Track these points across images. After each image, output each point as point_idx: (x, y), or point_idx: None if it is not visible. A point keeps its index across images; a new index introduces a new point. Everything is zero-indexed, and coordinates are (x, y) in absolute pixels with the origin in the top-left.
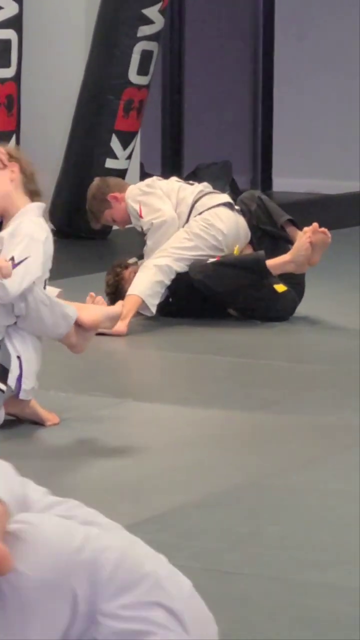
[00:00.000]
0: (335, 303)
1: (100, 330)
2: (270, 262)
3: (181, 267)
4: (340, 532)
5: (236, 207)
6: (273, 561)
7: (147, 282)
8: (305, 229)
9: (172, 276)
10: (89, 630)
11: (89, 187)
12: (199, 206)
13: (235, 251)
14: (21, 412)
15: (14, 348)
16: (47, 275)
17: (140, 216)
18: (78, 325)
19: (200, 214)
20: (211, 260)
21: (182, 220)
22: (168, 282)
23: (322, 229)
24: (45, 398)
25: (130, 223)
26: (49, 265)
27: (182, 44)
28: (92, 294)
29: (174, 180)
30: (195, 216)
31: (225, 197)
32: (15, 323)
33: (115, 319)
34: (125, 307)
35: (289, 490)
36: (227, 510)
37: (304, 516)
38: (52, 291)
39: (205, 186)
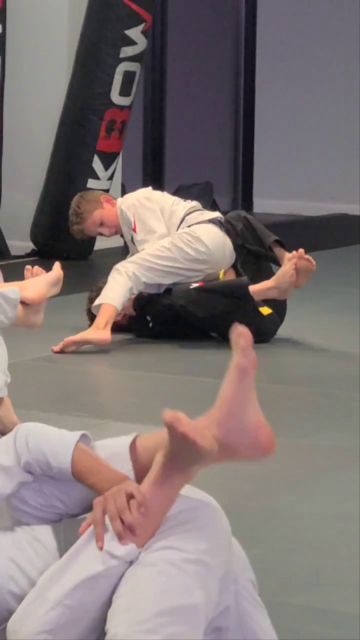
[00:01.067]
0: (316, 325)
1: (86, 339)
2: (252, 288)
3: (149, 278)
4: (321, 555)
5: (224, 227)
6: (259, 584)
7: (118, 292)
8: (289, 255)
9: (141, 286)
10: None
11: (75, 197)
12: (189, 219)
13: (221, 275)
14: None
15: None
16: None
17: (134, 230)
18: (26, 304)
19: (189, 226)
20: (194, 285)
21: (172, 232)
22: (136, 291)
23: (307, 256)
24: (27, 418)
25: (117, 232)
26: None
27: (164, 65)
28: (29, 266)
29: (167, 194)
30: (183, 228)
31: (216, 214)
32: None
33: (58, 283)
34: (103, 317)
35: (270, 512)
36: None
37: (285, 538)
38: None
39: (197, 204)
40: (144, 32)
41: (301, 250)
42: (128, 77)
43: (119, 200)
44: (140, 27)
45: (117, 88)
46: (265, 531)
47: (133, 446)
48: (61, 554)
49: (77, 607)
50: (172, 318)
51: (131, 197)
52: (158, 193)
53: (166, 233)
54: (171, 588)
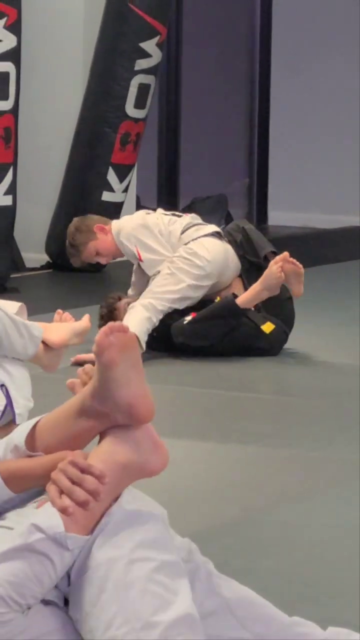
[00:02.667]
0: (327, 337)
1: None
2: (243, 297)
3: (164, 307)
4: (334, 567)
5: (225, 237)
6: (266, 596)
7: (135, 321)
8: (275, 259)
9: (159, 314)
10: None
11: (70, 226)
12: (185, 237)
13: (217, 300)
14: None
15: None
16: None
17: (140, 259)
18: (46, 345)
19: (185, 244)
20: (187, 319)
21: (173, 252)
22: (156, 322)
23: (292, 259)
24: None
25: (114, 258)
26: None
27: (178, 77)
28: (60, 310)
29: (161, 213)
30: (179, 247)
31: (213, 228)
32: None
33: (82, 334)
34: None
35: (282, 525)
36: (219, 544)
37: (297, 551)
38: (12, 306)
39: (193, 217)
40: (158, 45)
41: (286, 254)
42: (143, 89)
43: (114, 226)
44: (155, 39)
45: (132, 100)
46: (277, 544)
47: (31, 433)
48: None
49: (1, 579)
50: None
51: (126, 226)
52: (152, 216)
53: (169, 254)
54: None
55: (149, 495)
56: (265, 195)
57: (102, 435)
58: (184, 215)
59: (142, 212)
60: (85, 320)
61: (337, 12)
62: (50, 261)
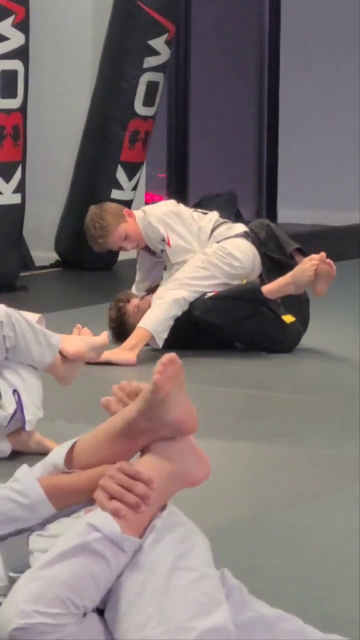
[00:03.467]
0: (339, 335)
1: (110, 360)
2: (270, 285)
3: (194, 298)
4: (345, 566)
5: (250, 236)
6: (277, 595)
7: (160, 318)
8: (311, 256)
9: (186, 308)
10: None
11: (90, 212)
12: (217, 235)
13: (244, 282)
14: (27, 447)
15: (8, 383)
16: None
17: (168, 244)
18: (63, 356)
19: (217, 242)
20: (209, 294)
21: (202, 248)
22: (180, 313)
23: (329, 260)
24: (51, 428)
25: (138, 246)
26: None
27: (187, 75)
28: (79, 325)
29: (190, 209)
30: (212, 244)
31: (242, 227)
32: (6, 358)
33: (100, 349)
34: (134, 339)
35: (294, 523)
36: (230, 543)
37: (309, 550)
38: (32, 316)
39: (217, 215)
40: (167, 42)
41: (323, 254)
42: (151, 87)
43: (141, 212)
44: (164, 37)
45: (140, 98)
46: (288, 542)
47: (70, 452)
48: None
49: (59, 580)
50: (193, 328)
51: (156, 210)
52: (183, 207)
53: (198, 248)
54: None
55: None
56: (275, 192)
57: (145, 449)
58: (209, 212)
59: (173, 201)
60: (103, 336)
61: (346, 8)
62: (60, 259)
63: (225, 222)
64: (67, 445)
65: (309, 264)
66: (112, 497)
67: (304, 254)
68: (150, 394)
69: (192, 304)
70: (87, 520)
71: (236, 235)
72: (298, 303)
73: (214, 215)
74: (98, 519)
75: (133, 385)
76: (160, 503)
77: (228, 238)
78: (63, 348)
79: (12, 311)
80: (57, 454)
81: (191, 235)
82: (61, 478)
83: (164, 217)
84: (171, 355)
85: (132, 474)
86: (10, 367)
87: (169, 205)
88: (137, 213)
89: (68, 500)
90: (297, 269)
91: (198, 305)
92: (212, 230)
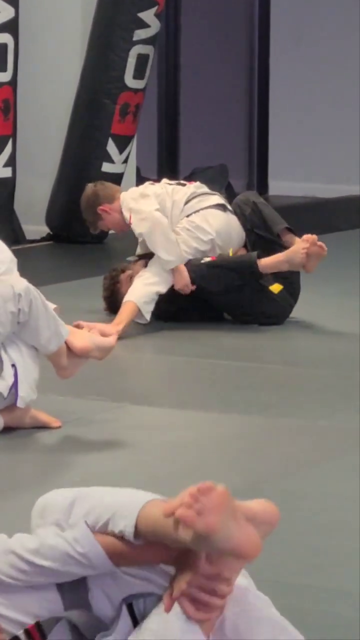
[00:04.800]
0: (331, 307)
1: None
2: (264, 261)
3: (174, 263)
4: (339, 536)
5: (229, 208)
6: (272, 565)
7: (142, 290)
8: (304, 237)
9: (168, 286)
10: None
11: (82, 196)
12: (187, 208)
13: (230, 253)
14: (21, 423)
15: (8, 357)
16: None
17: (130, 222)
18: (69, 349)
19: (188, 216)
20: (205, 259)
21: (175, 222)
22: (164, 290)
23: (320, 242)
24: (43, 402)
25: (126, 230)
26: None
27: (177, 47)
28: (90, 324)
29: (165, 183)
30: (182, 219)
31: (217, 199)
32: (13, 333)
33: (105, 350)
34: (121, 315)
35: (287, 494)
36: None
37: (302, 519)
38: (49, 305)
39: (197, 187)
40: (157, 15)
41: (314, 237)
42: (141, 60)
43: (121, 199)
44: (154, 9)
45: (130, 71)
46: (281, 513)
47: (139, 516)
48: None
49: None
50: (185, 297)
51: (127, 196)
52: (154, 186)
53: (153, 211)
54: None
55: (153, 460)
56: (266, 164)
57: None
58: (188, 184)
59: (146, 183)
60: (112, 338)
61: None
62: (51, 233)
63: (202, 194)
64: (132, 514)
65: (300, 247)
66: (195, 603)
67: (293, 232)
68: (194, 534)
69: (189, 266)
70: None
71: (208, 207)
72: (289, 274)
73: (190, 189)
74: (187, 634)
75: None
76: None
77: (198, 211)
78: (70, 341)
79: (32, 288)
80: (124, 519)
81: (147, 206)
82: (126, 548)
83: (130, 201)
84: (205, 485)
85: (214, 576)
86: (15, 342)
87: (138, 190)
88: (121, 199)
89: (129, 564)
90: (290, 250)
91: (193, 269)
92: (185, 204)
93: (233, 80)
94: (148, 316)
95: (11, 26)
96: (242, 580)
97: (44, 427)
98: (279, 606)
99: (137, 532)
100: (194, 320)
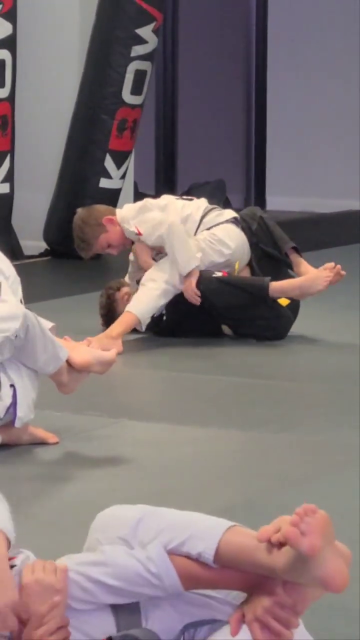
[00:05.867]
0: (330, 322)
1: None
2: (275, 285)
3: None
4: None
5: (242, 223)
6: None
7: (149, 305)
8: (328, 265)
9: (173, 295)
10: None
11: (75, 218)
12: (207, 222)
13: (236, 267)
14: (19, 440)
15: (7, 377)
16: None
17: (139, 234)
18: (69, 365)
19: (208, 229)
20: (217, 274)
21: (190, 236)
22: (165, 302)
23: (343, 272)
24: (40, 417)
25: (125, 248)
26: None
27: (175, 63)
28: (89, 338)
29: (172, 198)
30: (202, 231)
31: (232, 213)
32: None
33: (106, 364)
34: (120, 326)
35: (286, 509)
36: None
37: None
38: (45, 324)
39: (205, 201)
40: (155, 31)
41: (338, 267)
42: (139, 76)
43: (119, 215)
44: (151, 25)
45: (128, 87)
46: None
47: (221, 541)
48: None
49: None
50: (186, 308)
51: (126, 212)
52: (157, 200)
53: (173, 217)
54: None
55: (151, 476)
56: (264, 180)
57: None
58: (196, 199)
59: (144, 200)
60: (112, 352)
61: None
62: (49, 248)
63: (214, 208)
64: (213, 537)
65: (323, 275)
66: (265, 627)
67: (299, 252)
68: (297, 552)
69: (201, 277)
70: None
71: (226, 221)
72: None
73: (202, 203)
74: None
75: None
76: None
77: (218, 224)
78: (71, 357)
79: (30, 314)
80: (204, 541)
81: (160, 214)
82: (200, 571)
83: (132, 215)
84: (310, 506)
85: (290, 606)
86: (13, 361)
87: (137, 203)
88: (119, 215)
89: (199, 588)
90: (308, 277)
91: (203, 281)
92: (202, 218)
93: (230, 95)
94: (144, 327)
95: (9, 42)
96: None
97: (41, 443)
98: None
99: (218, 556)
100: (192, 336)
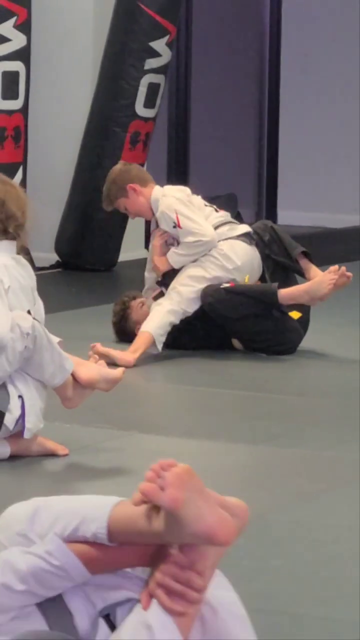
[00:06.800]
0: (339, 337)
1: (109, 354)
2: (284, 291)
3: (192, 308)
4: (344, 566)
5: (254, 239)
6: (277, 595)
7: (159, 322)
8: (332, 268)
9: (183, 317)
10: None
11: (111, 170)
12: (218, 234)
13: (246, 280)
14: (28, 452)
15: (15, 388)
16: (31, 306)
17: (179, 226)
18: (75, 380)
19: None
20: (224, 285)
21: None
22: (177, 322)
23: (349, 273)
24: (50, 430)
25: (142, 217)
26: (28, 297)
27: (188, 76)
28: (96, 357)
29: (203, 204)
30: None
31: (245, 228)
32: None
33: (112, 382)
34: (137, 343)
35: (293, 524)
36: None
37: (308, 550)
38: (53, 339)
39: (226, 215)
40: (168, 44)
41: (343, 268)
42: (152, 89)
43: (156, 192)
44: (165, 39)
45: (141, 100)
46: (287, 543)
47: (110, 517)
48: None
49: None
50: (196, 321)
51: (168, 198)
52: (197, 198)
53: (214, 234)
54: None
55: None
56: (275, 194)
57: None
58: (221, 211)
59: (187, 188)
60: (119, 371)
61: (347, 7)
62: (60, 260)
63: (231, 222)
64: (103, 516)
65: (327, 279)
66: (170, 594)
67: (309, 257)
68: (163, 510)
69: (208, 290)
70: (156, 638)
71: (237, 237)
72: (300, 305)
73: (221, 215)
74: (164, 632)
75: None
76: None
77: (228, 239)
78: (76, 372)
79: (37, 325)
80: (95, 522)
81: (205, 221)
82: (101, 553)
83: (175, 201)
84: (167, 461)
85: (187, 566)
86: (21, 374)
87: (181, 192)
88: (156, 192)
89: (104, 570)
90: (313, 282)
91: (211, 293)
92: (215, 229)
93: (243, 109)
94: (160, 347)
95: (23, 54)
96: (227, 593)
97: (51, 454)
98: (284, 636)
99: (110, 534)
100: (201, 346)
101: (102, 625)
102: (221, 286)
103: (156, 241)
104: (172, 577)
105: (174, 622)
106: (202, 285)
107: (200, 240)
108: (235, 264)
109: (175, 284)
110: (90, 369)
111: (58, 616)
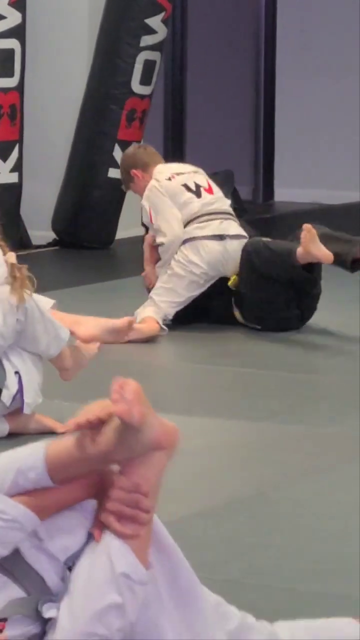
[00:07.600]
0: (339, 314)
1: (141, 330)
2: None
3: (167, 311)
4: (345, 542)
5: (230, 233)
6: (278, 571)
7: (152, 311)
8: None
9: (170, 316)
10: None
11: (123, 155)
12: (186, 232)
13: (232, 278)
14: (26, 429)
15: (11, 364)
16: None
17: (151, 221)
18: (71, 349)
19: (184, 243)
20: (264, 239)
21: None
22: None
23: (306, 225)
24: (49, 407)
25: None
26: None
27: (184, 53)
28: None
29: (184, 187)
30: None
31: (214, 230)
32: None
33: (117, 332)
34: (147, 326)
35: (294, 501)
36: (232, 520)
37: (309, 526)
38: (46, 302)
39: (205, 204)
40: (164, 21)
41: (304, 225)
42: (148, 66)
43: (154, 172)
44: (161, 15)
45: (137, 77)
46: (289, 520)
47: (47, 459)
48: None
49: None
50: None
51: (154, 179)
52: (174, 184)
53: (178, 233)
54: None
55: None
56: (272, 171)
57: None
58: (205, 193)
59: (174, 170)
60: (123, 319)
61: None
62: (57, 238)
63: (204, 216)
64: (38, 460)
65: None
66: (121, 518)
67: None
68: (123, 425)
69: (250, 241)
70: (118, 570)
71: (204, 237)
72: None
73: (196, 206)
74: (126, 565)
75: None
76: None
77: (195, 238)
78: (76, 332)
79: (27, 297)
80: (33, 469)
81: (173, 218)
82: (46, 497)
83: (149, 196)
84: (122, 380)
85: (132, 489)
86: (16, 349)
87: (161, 175)
88: (155, 172)
89: (53, 512)
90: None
91: (251, 242)
92: (186, 225)
93: (239, 86)
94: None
95: (18, 31)
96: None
97: (49, 432)
98: (285, 612)
99: (51, 474)
100: (203, 318)
101: (67, 576)
102: (262, 239)
103: (149, 236)
104: (120, 501)
105: (128, 546)
106: (177, 300)
107: (163, 244)
108: (201, 267)
109: (152, 293)
110: (89, 326)
111: (30, 581)
